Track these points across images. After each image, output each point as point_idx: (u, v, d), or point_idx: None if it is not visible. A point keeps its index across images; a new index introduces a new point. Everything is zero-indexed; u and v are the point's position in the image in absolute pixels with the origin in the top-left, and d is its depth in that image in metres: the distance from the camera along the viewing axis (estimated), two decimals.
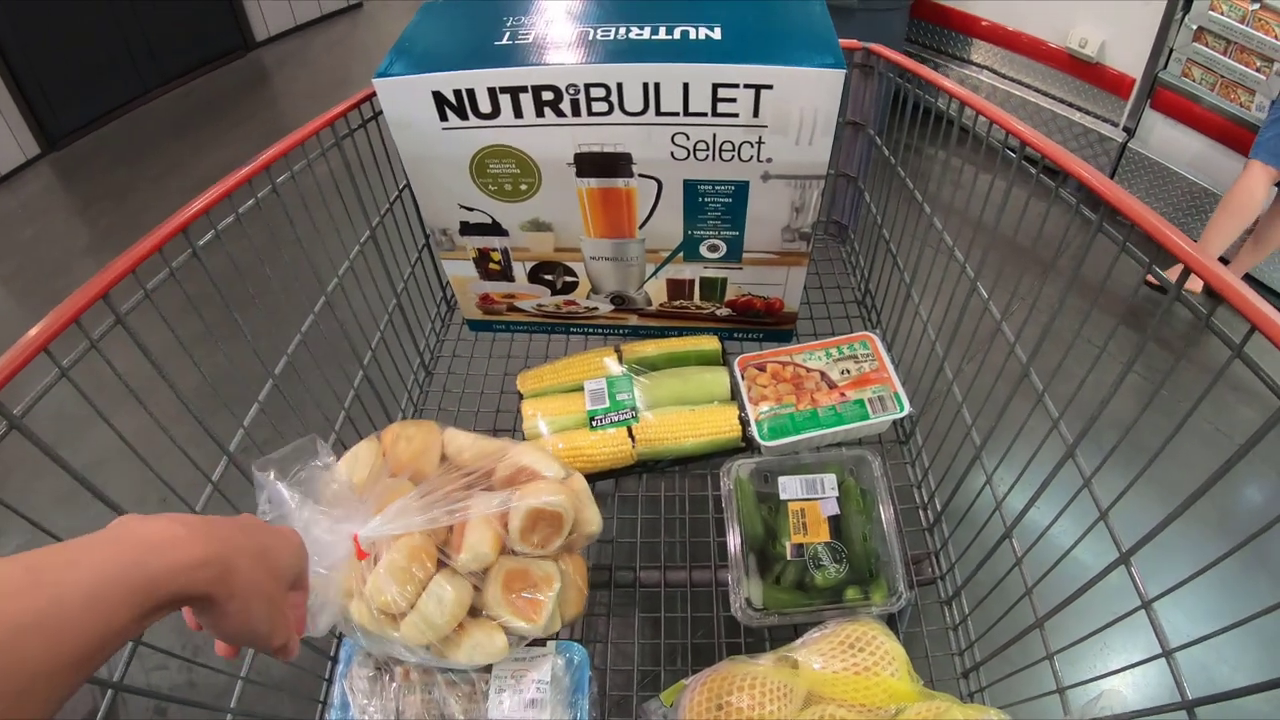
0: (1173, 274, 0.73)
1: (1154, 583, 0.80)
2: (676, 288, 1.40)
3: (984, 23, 3.64)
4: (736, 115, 1.12)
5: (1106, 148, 3.34)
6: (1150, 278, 0.69)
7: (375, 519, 0.93)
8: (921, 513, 1.32)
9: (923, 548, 1.28)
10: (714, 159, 1.18)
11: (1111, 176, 3.35)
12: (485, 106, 1.13)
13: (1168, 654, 0.78)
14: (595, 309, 1.46)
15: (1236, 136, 2.92)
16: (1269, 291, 2.96)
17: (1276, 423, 0.61)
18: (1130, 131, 3.27)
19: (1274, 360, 0.65)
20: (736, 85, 1.09)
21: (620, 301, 1.43)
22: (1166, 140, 3.18)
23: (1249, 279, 2.91)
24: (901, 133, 1.36)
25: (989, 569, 1.09)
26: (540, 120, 1.14)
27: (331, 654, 1.14)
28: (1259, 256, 2.81)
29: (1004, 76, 3.70)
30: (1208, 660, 1.81)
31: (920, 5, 3.78)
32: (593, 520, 1.07)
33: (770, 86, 1.09)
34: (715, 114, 1.12)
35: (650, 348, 1.38)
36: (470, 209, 1.29)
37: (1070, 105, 3.48)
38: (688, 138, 1.16)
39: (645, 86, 1.10)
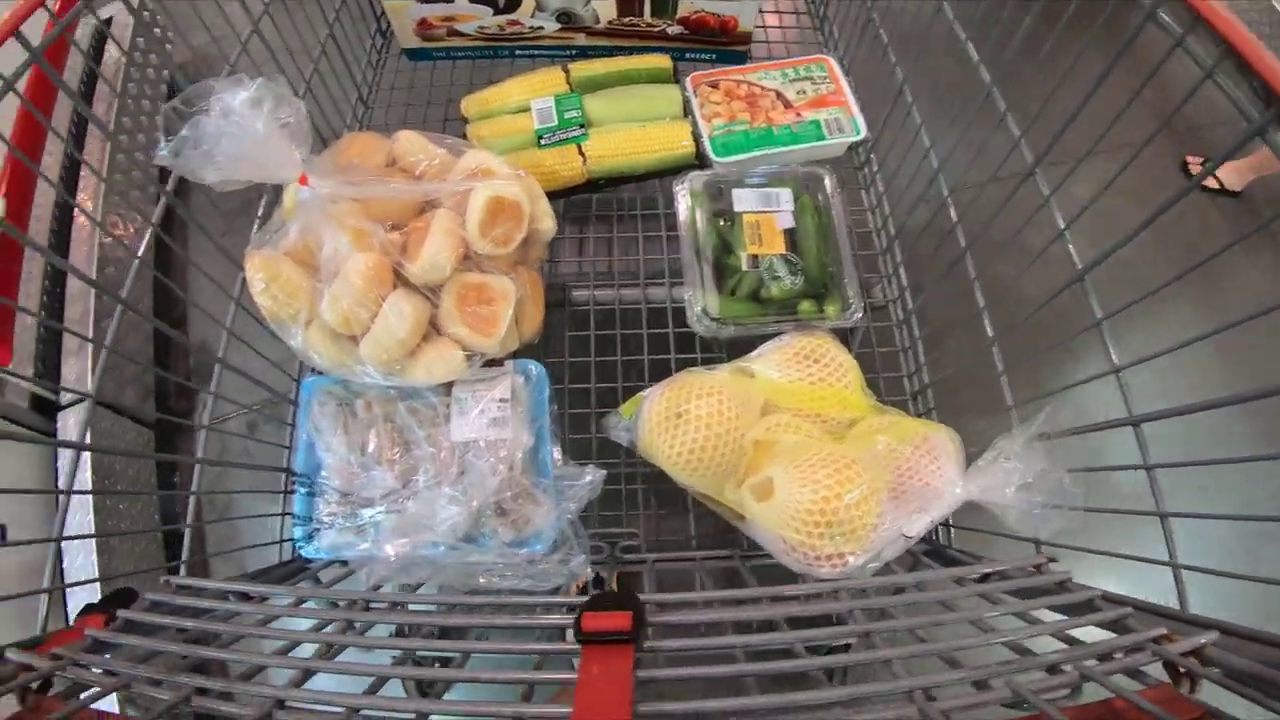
0: None
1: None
2: (626, 3, 1.31)
3: None
4: None
5: None
6: None
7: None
8: (875, 237, 1.31)
9: (875, 272, 1.27)
10: None
11: None
12: None
13: (1118, 370, 0.80)
14: (540, 28, 1.37)
15: None
16: None
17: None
18: None
19: None
20: None
21: (567, 19, 1.35)
22: None
23: None
24: None
25: (942, 295, 1.10)
26: None
27: (292, 398, 1.12)
28: None
29: None
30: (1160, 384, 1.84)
31: None
32: (547, 216, 1.04)
33: None
34: None
35: (599, 66, 1.31)
36: None
37: None
38: None
39: None
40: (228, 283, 1.03)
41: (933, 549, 1.02)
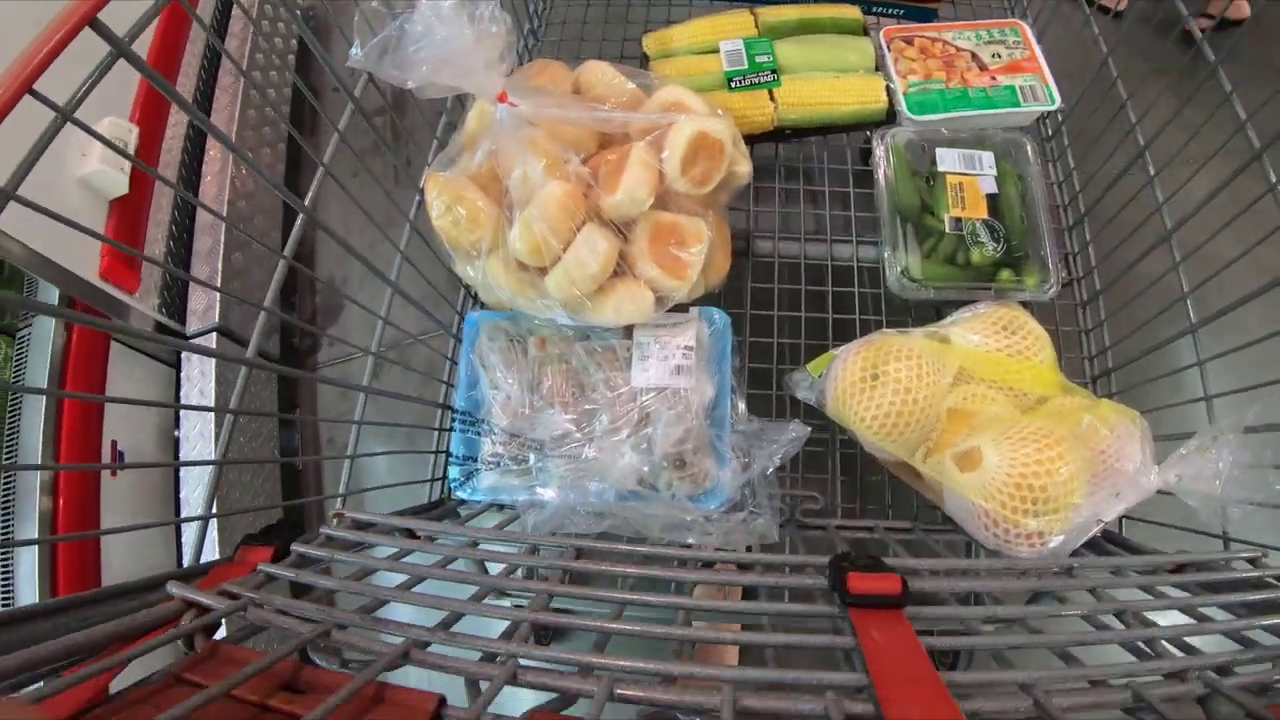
0: None
1: None
2: None
3: None
4: None
5: None
6: None
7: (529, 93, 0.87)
8: (1061, 212, 1.25)
9: (1059, 248, 1.21)
10: None
11: None
12: None
13: None
14: None
15: None
16: None
17: None
18: None
19: None
20: None
21: None
22: None
23: None
24: None
25: (1132, 277, 1.04)
26: None
27: (454, 332, 1.09)
28: None
29: None
30: None
31: None
32: (744, 159, 0.98)
33: None
34: None
35: (790, 12, 1.24)
36: None
37: None
38: None
39: None
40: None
41: (1109, 536, 0.96)
